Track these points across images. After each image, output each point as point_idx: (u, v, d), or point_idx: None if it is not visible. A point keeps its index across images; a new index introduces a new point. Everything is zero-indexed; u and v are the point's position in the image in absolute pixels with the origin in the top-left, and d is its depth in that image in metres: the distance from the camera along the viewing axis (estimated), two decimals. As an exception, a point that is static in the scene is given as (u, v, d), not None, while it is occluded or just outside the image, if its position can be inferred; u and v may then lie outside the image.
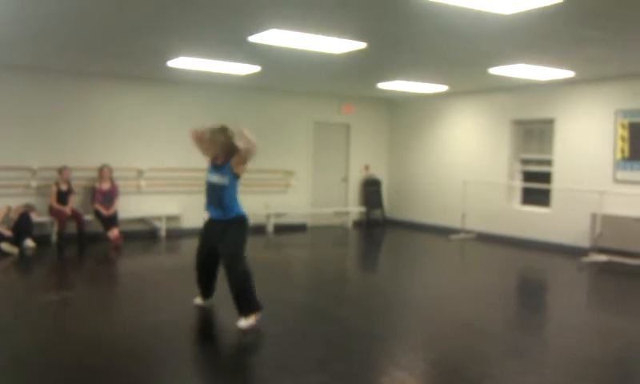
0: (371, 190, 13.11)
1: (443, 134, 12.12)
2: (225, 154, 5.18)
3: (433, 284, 7.56)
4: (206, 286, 5.64)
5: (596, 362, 4.62)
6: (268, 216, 11.48)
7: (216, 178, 5.22)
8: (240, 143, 5.06)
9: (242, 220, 5.29)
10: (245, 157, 5.13)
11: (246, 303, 5.15)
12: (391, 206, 13.33)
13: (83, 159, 9.80)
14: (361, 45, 6.90)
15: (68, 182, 9.44)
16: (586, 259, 8.86)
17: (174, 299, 6.14)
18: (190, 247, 8.62)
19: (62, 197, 9.34)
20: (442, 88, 10.82)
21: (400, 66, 8.71)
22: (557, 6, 5.09)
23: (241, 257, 5.20)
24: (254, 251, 6.04)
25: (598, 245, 8.96)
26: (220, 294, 5.59)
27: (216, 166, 5.26)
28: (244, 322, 5.10)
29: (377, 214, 13.17)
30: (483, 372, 4.27)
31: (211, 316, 5.63)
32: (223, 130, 5.15)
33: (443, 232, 11.51)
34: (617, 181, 9.12)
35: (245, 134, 5.11)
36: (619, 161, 9.12)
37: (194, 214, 10.28)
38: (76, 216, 9.38)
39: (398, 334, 5.26)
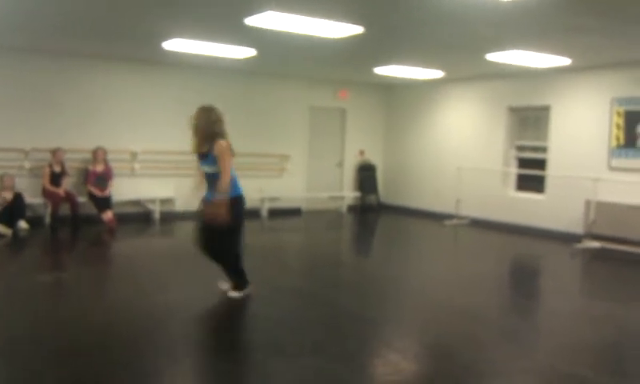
0: (366, 175, 13.10)
1: (439, 120, 12.10)
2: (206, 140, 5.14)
3: (427, 269, 7.58)
4: None
5: (588, 347, 4.65)
6: (262, 200, 11.45)
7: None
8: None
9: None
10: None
11: None
12: (386, 191, 13.33)
13: (77, 141, 9.73)
14: (358, 29, 6.85)
15: (62, 164, 9.37)
16: (579, 246, 8.90)
17: (168, 282, 6.14)
18: (184, 230, 8.64)
19: (56, 178, 9.28)
20: (438, 74, 10.78)
21: (397, 51, 8.66)
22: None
23: None
24: (248, 235, 6.02)
25: (591, 231, 8.99)
26: (214, 281, 5.59)
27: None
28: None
29: (371, 199, 13.17)
30: (477, 357, 4.29)
31: (204, 298, 5.63)
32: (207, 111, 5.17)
33: (437, 217, 11.52)
34: (611, 168, 9.14)
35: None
36: (614, 148, 9.13)
37: (187, 197, 10.24)
38: (69, 198, 9.33)
39: (392, 318, 5.28)
